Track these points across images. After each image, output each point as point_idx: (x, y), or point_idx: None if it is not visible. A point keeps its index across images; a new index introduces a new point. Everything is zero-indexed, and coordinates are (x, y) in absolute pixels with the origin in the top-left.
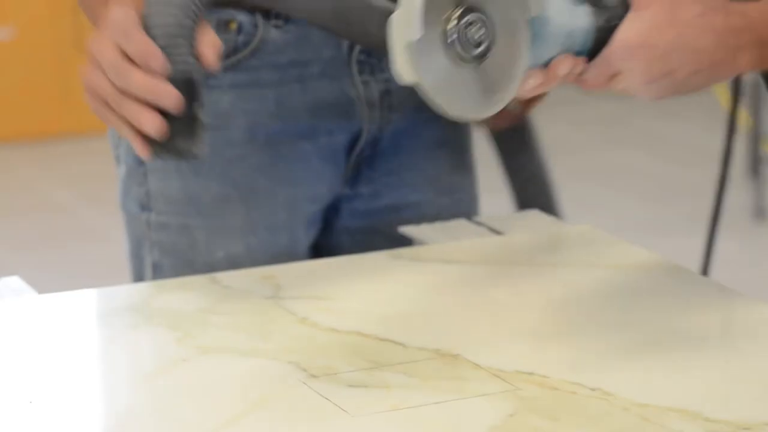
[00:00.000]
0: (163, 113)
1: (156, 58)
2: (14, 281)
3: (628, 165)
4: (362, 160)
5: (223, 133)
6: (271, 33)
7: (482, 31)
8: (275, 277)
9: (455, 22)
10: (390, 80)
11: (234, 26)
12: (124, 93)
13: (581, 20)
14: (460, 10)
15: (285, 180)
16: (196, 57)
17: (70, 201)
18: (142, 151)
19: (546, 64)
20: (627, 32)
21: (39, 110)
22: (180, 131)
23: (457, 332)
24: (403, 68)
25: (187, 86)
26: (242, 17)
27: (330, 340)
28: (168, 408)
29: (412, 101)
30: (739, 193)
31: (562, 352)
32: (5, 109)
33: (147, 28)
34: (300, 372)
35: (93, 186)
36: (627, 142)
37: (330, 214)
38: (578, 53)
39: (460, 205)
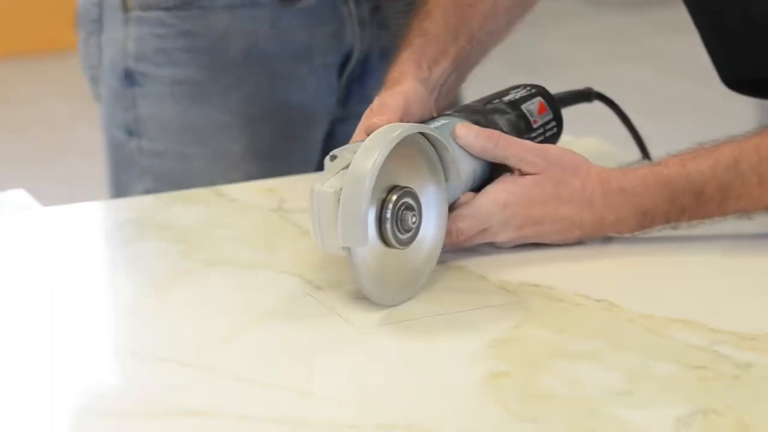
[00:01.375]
0: None
1: None
2: (19, 194)
3: (633, 79)
4: (353, 80)
5: (222, 54)
6: None
7: (413, 217)
8: (279, 190)
9: (391, 206)
10: None
11: None
12: None
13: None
14: (395, 195)
15: (282, 104)
16: None
17: (70, 116)
18: None
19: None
20: (502, 192)
21: (38, 26)
22: None
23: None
24: (334, 249)
25: None
26: None
27: None
28: (172, 320)
29: (401, 18)
30: None
31: (568, 266)
32: (3, 25)
33: None
34: (305, 284)
35: (92, 101)
36: (631, 56)
37: (327, 143)
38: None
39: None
